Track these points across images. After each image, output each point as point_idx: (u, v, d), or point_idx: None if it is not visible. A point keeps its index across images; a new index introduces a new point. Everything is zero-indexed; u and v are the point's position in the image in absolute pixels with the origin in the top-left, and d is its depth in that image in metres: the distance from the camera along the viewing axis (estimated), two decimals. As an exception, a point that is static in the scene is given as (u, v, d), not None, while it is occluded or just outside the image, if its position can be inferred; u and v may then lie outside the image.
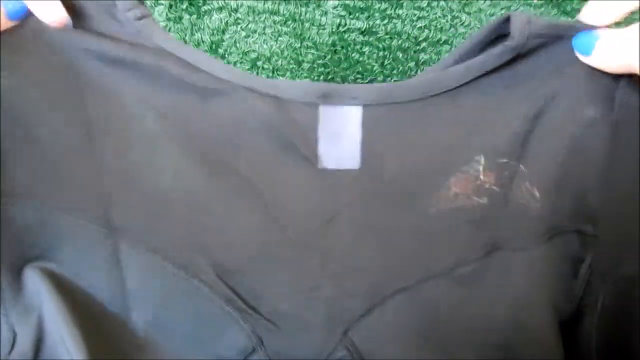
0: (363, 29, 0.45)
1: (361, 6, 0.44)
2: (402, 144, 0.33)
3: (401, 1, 0.43)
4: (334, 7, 0.44)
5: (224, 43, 0.45)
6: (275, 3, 0.44)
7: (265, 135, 0.33)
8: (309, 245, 0.34)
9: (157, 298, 0.33)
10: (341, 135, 0.33)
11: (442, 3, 0.43)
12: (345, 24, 0.44)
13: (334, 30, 0.45)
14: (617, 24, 0.31)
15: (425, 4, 0.44)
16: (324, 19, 0.44)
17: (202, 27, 0.45)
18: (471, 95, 0.33)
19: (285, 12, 0.44)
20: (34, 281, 0.32)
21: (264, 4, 0.44)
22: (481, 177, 0.34)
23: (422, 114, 0.33)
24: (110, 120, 0.32)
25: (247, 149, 0.33)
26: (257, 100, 0.32)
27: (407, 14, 0.44)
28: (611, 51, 0.30)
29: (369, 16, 0.44)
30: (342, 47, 0.45)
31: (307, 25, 0.45)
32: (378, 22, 0.44)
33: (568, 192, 0.33)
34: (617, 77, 0.31)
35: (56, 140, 0.31)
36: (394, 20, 0.44)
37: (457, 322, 0.35)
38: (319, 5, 0.44)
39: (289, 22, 0.45)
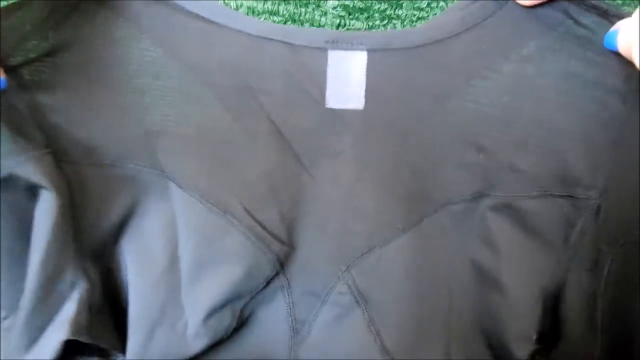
0: (362, 30, 0.44)
1: (361, 6, 0.44)
2: (404, 88, 0.35)
3: (401, 1, 0.44)
4: (334, 8, 0.44)
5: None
6: (275, 3, 0.44)
7: (279, 79, 0.35)
8: (321, 177, 0.36)
9: (198, 236, 0.35)
10: (347, 78, 0.35)
11: (441, 3, 0.44)
12: (345, 25, 0.44)
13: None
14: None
15: (425, 4, 0.44)
16: (323, 19, 0.44)
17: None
18: (473, 43, 0.34)
19: (285, 12, 0.44)
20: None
21: (264, 4, 0.44)
22: (476, 123, 0.35)
23: (425, 60, 0.34)
24: (145, 77, 0.35)
25: (265, 92, 0.36)
26: (271, 46, 0.35)
27: (406, 15, 0.44)
28: (626, 42, 0.30)
29: (368, 17, 0.44)
30: (342, 48, 0.45)
31: (306, 25, 0.44)
32: (377, 22, 0.44)
33: (558, 153, 0.34)
34: None
35: (103, 101, 0.34)
36: (394, 21, 0.44)
37: (446, 265, 0.36)
38: (318, 6, 0.44)
39: (289, 23, 0.45)
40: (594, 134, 0.33)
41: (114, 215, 0.35)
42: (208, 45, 0.35)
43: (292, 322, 0.38)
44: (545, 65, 0.33)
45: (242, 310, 0.37)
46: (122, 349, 0.36)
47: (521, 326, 0.35)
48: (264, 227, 0.36)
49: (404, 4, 0.44)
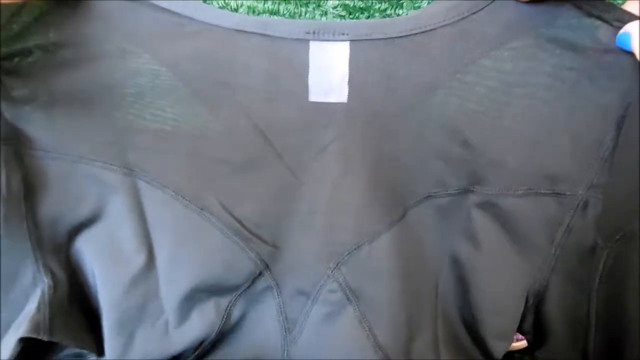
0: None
1: (361, 6, 0.44)
2: (388, 79, 0.34)
3: (401, 1, 0.43)
4: (334, 7, 0.44)
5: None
6: (276, 3, 0.44)
7: (258, 73, 0.34)
8: (304, 173, 0.36)
9: (173, 233, 0.35)
10: (330, 70, 0.34)
11: (442, 3, 0.43)
12: (345, 24, 0.44)
13: (333, 30, 0.44)
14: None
15: (425, 4, 0.43)
16: (324, 19, 0.44)
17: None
18: (460, 35, 0.33)
19: (285, 12, 0.44)
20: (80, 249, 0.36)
21: (264, 4, 0.44)
22: (461, 117, 0.34)
23: (409, 50, 0.34)
24: (117, 73, 0.34)
25: (243, 87, 0.35)
26: (249, 39, 0.34)
27: (406, 14, 0.44)
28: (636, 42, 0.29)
29: (369, 16, 0.44)
30: (342, 47, 0.44)
31: (306, 25, 0.44)
32: (378, 22, 0.44)
33: (544, 149, 0.33)
34: None
35: (76, 97, 0.34)
36: (394, 20, 0.44)
37: (431, 258, 0.36)
38: (319, 5, 0.44)
39: (289, 22, 0.44)
40: (582, 130, 0.32)
41: (78, 212, 0.35)
42: (181, 40, 0.34)
43: (283, 322, 0.38)
44: (534, 62, 0.32)
45: (230, 310, 0.37)
46: (97, 349, 0.36)
47: (499, 324, 0.35)
48: (242, 225, 0.35)
49: (405, 4, 0.44)
